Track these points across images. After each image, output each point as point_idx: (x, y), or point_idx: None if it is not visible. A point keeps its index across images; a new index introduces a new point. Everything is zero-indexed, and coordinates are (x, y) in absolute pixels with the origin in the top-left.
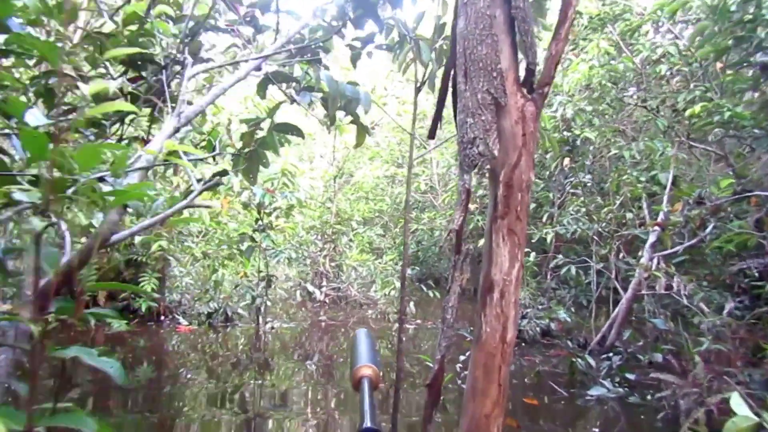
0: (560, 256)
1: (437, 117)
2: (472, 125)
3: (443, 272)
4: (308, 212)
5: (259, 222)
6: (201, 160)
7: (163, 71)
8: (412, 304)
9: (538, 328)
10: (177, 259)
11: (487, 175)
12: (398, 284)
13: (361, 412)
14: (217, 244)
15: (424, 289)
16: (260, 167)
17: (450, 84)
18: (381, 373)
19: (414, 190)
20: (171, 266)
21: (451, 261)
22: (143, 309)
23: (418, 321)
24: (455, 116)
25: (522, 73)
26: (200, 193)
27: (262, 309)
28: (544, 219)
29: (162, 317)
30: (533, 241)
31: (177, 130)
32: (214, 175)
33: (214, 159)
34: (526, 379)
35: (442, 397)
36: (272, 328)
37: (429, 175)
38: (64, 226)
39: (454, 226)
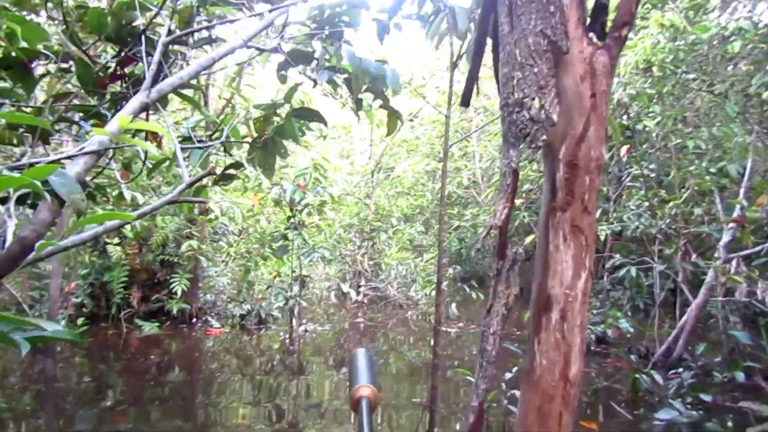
0: (617, 255)
1: (472, 76)
2: (520, 81)
3: (488, 270)
4: (345, 209)
5: (291, 220)
6: (204, 148)
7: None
8: (453, 305)
9: (592, 335)
10: (209, 258)
11: (541, 150)
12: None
13: None
14: (249, 243)
15: (467, 289)
16: (281, 159)
17: (489, 28)
18: (380, 393)
19: (456, 185)
20: (206, 267)
21: (494, 268)
22: (175, 311)
23: (460, 324)
24: (496, 72)
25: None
26: (190, 185)
27: (296, 311)
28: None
29: (194, 319)
30: None
31: (146, 107)
32: (227, 167)
33: (225, 150)
34: (581, 397)
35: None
36: (306, 330)
37: (471, 169)
38: None
39: (496, 221)
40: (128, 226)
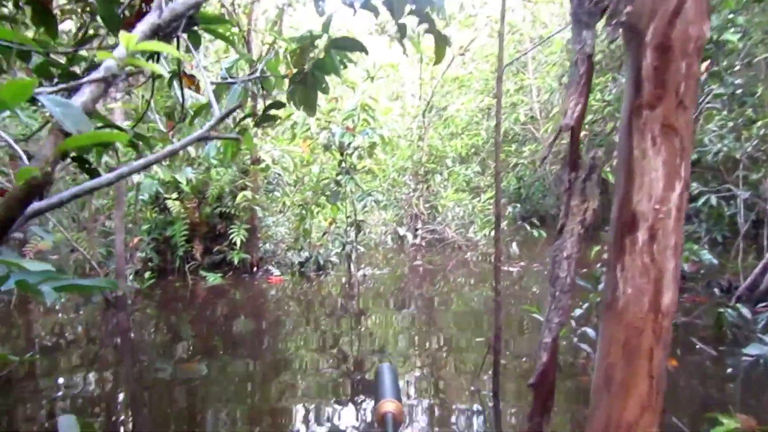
0: (693, 184)
1: None
2: None
3: (549, 209)
4: (398, 152)
5: (342, 164)
6: (239, 83)
7: None
8: (514, 244)
9: None
10: (264, 209)
11: (621, 30)
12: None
13: None
14: (302, 191)
15: (528, 228)
16: (325, 99)
17: None
18: (404, 408)
19: (512, 122)
20: (263, 217)
21: (564, 179)
22: (236, 261)
23: (522, 263)
24: None
25: None
26: (220, 120)
27: (353, 256)
28: None
29: (255, 269)
30: None
31: (157, 30)
32: (267, 107)
33: (263, 87)
34: None
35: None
36: (365, 275)
37: (529, 104)
38: None
39: (567, 121)
40: (184, 180)
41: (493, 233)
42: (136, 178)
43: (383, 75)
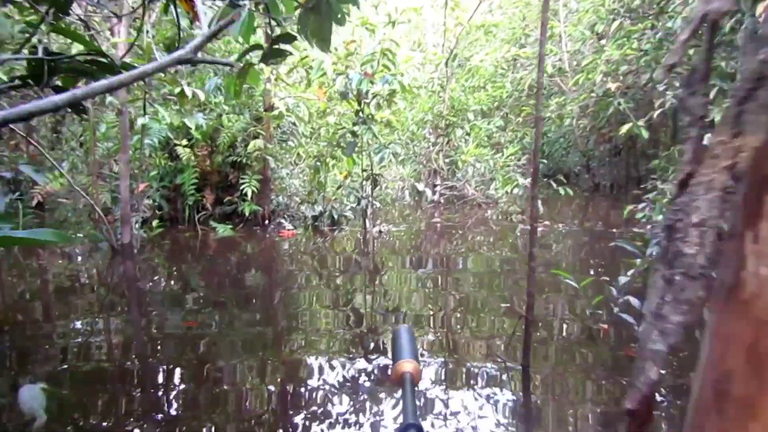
0: None
1: None
2: None
3: (572, 166)
4: (418, 102)
5: (360, 114)
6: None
7: None
8: (539, 202)
9: None
10: (277, 159)
11: None
12: (522, 181)
13: (403, 408)
14: (317, 141)
15: (554, 185)
16: (337, 35)
17: None
18: (421, 369)
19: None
20: (276, 168)
21: (689, 102)
22: (247, 212)
23: (546, 222)
24: None
25: None
26: (204, 43)
27: (369, 211)
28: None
29: (267, 221)
30: None
31: None
32: (275, 39)
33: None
34: None
35: None
36: (380, 232)
37: (558, 54)
38: None
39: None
40: (194, 126)
41: (515, 191)
42: (140, 120)
43: (405, 20)
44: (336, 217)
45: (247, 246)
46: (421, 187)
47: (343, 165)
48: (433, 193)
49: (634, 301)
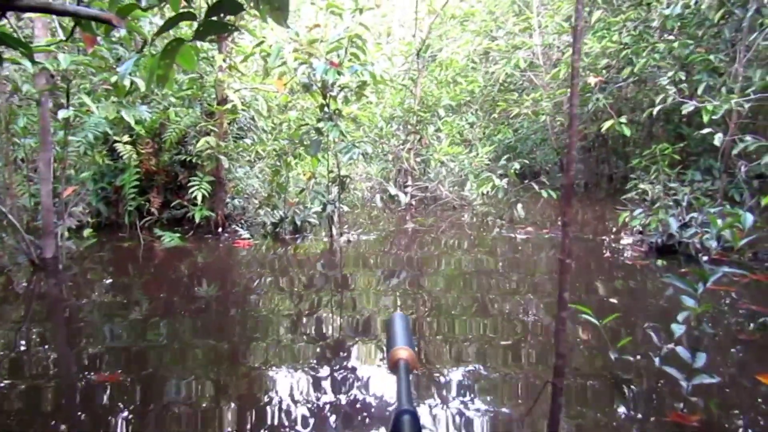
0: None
1: None
2: None
3: (543, 164)
4: (387, 97)
5: (325, 108)
6: None
7: None
8: (520, 206)
9: (712, 241)
10: (231, 158)
11: None
12: (498, 182)
13: (398, 395)
14: (278, 138)
15: (536, 187)
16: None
17: None
18: (417, 357)
19: (513, 67)
20: (233, 168)
21: None
22: (197, 219)
23: (529, 228)
24: None
25: None
26: None
27: (335, 217)
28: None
29: (220, 228)
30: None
31: None
32: (213, 7)
33: None
34: (740, 335)
35: None
36: (348, 241)
37: (531, 47)
38: None
39: None
40: (132, 119)
41: (491, 192)
42: (61, 113)
43: (373, 5)
44: (299, 223)
45: (196, 257)
46: (393, 190)
47: (307, 164)
48: (405, 194)
49: (684, 352)
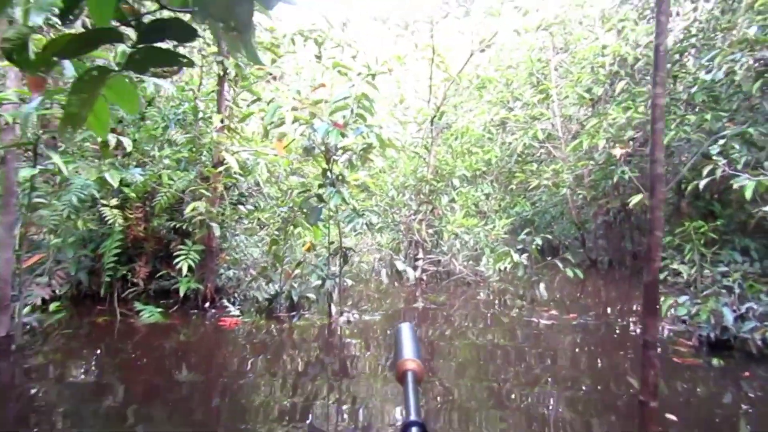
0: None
1: None
2: None
3: (562, 239)
4: (399, 165)
5: (328, 174)
6: None
7: None
8: (542, 286)
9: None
10: (224, 225)
11: None
12: (517, 257)
13: (405, 406)
14: (275, 206)
15: (560, 265)
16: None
17: None
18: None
19: (531, 138)
20: (229, 236)
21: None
22: (181, 292)
23: (553, 312)
24: None
25: None
26: None
27: (335, 293)
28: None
29: (209, 303)
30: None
31: None
32: (145, 29)
33: None
34: None
35: None
36: (349, 321)
37: (550, 119)
38: None
39: None
40: (115, 182)
41: (508, 268)
42: (22, 172)
43: (385, 70)
44: (296, 299)
45: (175, 337)
46: (401, 265)
47: (310, 234)
48: (415, 269)
49: None
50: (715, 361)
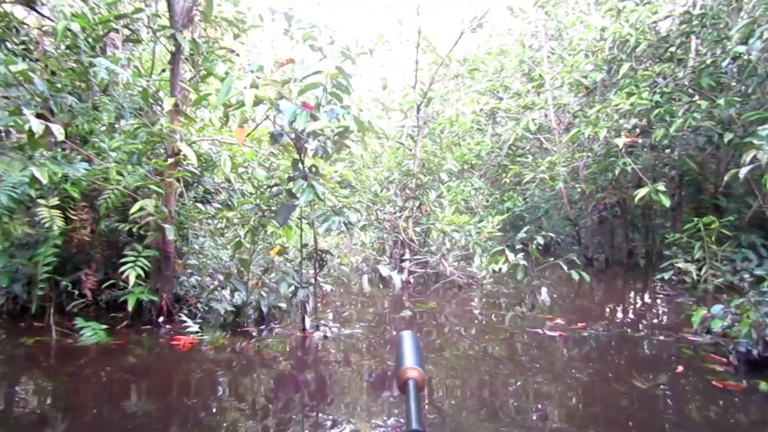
0: None
1: None
2: None
3: (555, 236)
4: (384, 156)
5: (299, 165)
6: None
7: None
8: (544, 290)
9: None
10: (183, 226)
11: None
12: (512, 257)
13: (407, 414)
14: (239, 204)
15: (564, 266)
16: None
17: None
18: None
19: (524, 129)
20: (193, 239)
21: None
22: (130, 306)
23: (558, 320)
24: None
25: None
26: None
27: (310, 304)
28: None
29: (163, 317)
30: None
31: None
32: None
33: None
34: None
35: None
36: (325, 336)
37: (543, 108)
38: None
39: None
40: (45, 177)
41: (502, 268)
42: None
43: (366, 51)
44: (265, 310)
45: (118, 362)
46: (386, 270)
47: (278, 235)
48: (401, 271)
49: None
50: (763, 385)
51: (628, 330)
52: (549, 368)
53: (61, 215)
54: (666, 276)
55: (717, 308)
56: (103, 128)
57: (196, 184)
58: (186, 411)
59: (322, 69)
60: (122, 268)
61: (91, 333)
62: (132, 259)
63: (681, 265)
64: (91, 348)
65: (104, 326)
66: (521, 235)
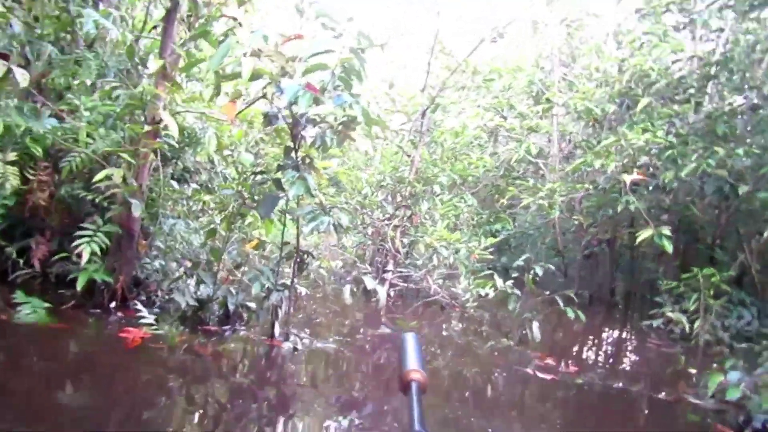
0: None
1: None
2: None
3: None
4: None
5: (293, 153)
6: None
7: None
8: (536, 325)
9: None
10: (154, 203)
11: None
12: (500, 283)
13: (410, 416)
14: (219, 188)
15: (560, 302)
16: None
17: None
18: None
19: (525, 151)
20: (163, 218)
21: None
22: (79, 285)
23: (549, 361)
24: None
25: None
26: None
27: (282, 309)
28: None
29: (117, 302)
30: None
31: None
32: None
33: None
34: None
35: None
36: (295, 349)
37: (548, 132)
38: None
39: None
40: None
41: (490, 292)
42: None
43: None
44: (231, 308)
45: (53, 350)
46: (371, 283)
47: (255, 227)
48: (383, 282)
49: None
50: None
51: (622, 383)
52: (541, 420)
53: (17, 173)
54: (654, 323)
55: (734, 375)
56: (83, 86)
57: (174, 160)
58: (116, 427)
59: (333, 49)
60: (77, 242)
61: (30, 311)
62: (90, 233)
63: (672, 315)
64: (24, 328)
65: (46, 305)
66: (519, 262)
